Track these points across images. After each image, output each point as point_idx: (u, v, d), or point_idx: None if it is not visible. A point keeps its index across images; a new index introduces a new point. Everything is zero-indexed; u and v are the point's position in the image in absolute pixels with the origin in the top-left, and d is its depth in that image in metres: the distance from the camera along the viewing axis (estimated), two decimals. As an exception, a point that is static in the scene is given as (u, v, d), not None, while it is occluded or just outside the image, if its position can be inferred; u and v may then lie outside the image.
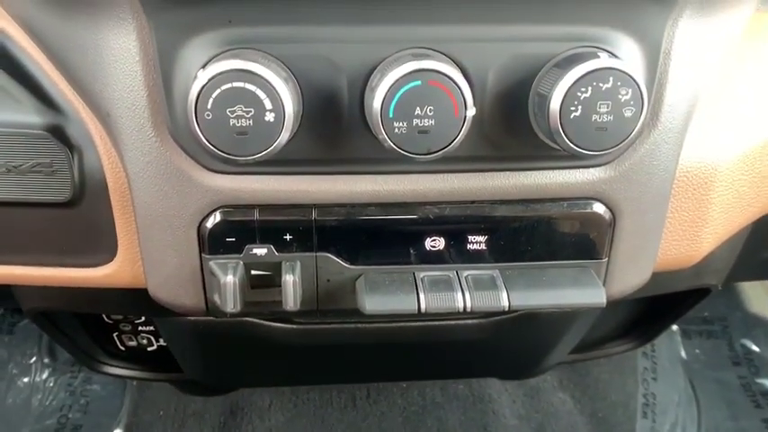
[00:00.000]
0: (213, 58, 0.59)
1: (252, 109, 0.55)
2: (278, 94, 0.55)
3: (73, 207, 0.69)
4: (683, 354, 1.82)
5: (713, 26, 0.66)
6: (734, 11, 0.67)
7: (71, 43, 0.64)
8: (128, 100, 0.62)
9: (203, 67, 0.58)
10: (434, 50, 0.60)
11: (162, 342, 1.17)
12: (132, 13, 0.59)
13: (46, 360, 1.72)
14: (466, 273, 0.69)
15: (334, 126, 0.62)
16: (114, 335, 1.16)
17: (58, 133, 0.67)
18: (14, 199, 0.69)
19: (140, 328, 1.15)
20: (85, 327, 1.11)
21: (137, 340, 1.18)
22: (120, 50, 0.61)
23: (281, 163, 0.62)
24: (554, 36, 0.60)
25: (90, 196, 0.69)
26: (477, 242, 0.69)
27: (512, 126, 0.63)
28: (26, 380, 1.67)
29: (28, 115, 0.67)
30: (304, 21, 0.59)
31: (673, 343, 1.83)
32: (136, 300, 0.76)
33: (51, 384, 1.66)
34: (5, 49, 0.70)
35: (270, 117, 0.56)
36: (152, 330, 1.15)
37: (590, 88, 0.57)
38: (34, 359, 1.71)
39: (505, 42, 0.60)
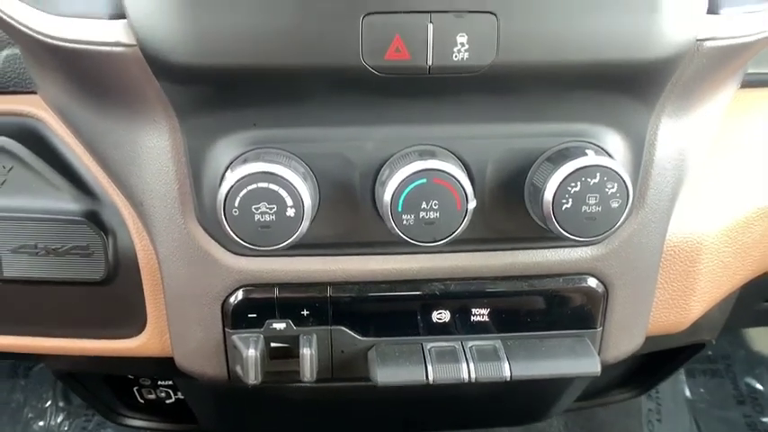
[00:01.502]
0: (239, 156, 0.65)
1: (275, 206, 0.61)
2: (298, 192, 0.61)
3: (107, 285, 0.75)
4: (687, 393, 1.84)
5: (694, 118, 0.72)
6: (713, 104, 0.73)
7: (107, 138, 0.70)
8: (160, 192, 0.69)
9: (230, 165, 0.65)
10: (438, 146, 0.66)
11: (180, 395, 1.22)
12: (166, 116, 0.65)
13: (61, 404, 1.76)
14: (470, 343, 0.74)
15: (347, 214, 0.68)
16: (134, 388, 1.21)
17: (93, 219, 0.73)
18: (53, 278, 0.75)
19: (160, 382, 1.20)
20: (107, 382, 1.17)
21: (156, 393, 1.23)
22: (154, 148, 0.68)
23: (299, 247, 0.68)
24: (546, 133, 0.67)
25: (123, 275, 0.75)
26: (480, 315, 0.74)
27: (509, 211, 0.69)
28: (41, 423, 1.71)
29: (66, 202, 0.74)
30: (320, 123, 0.66)
31: (677, 382, 1.86)
32: (161, 365, 0.81)
33: (66, 428, 1.70)
34: (44, 137, 0.77)
35: (291, 212, 0.62)
36: (171, 384, 1.20)
37: (579, 183, 0.63)
38: (49, 403, 1.75)
39: (502, 139, 0.67)
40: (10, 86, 0.78)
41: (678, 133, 0.71)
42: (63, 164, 0.75)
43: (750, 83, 0.82)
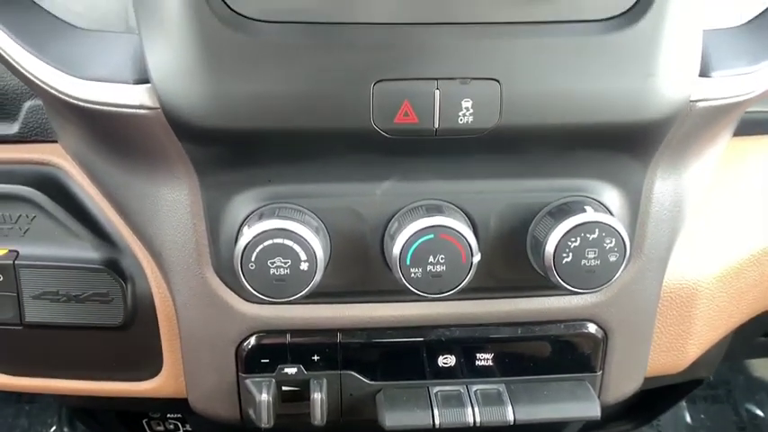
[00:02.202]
0: (255, 211, 0.68)
1: (289, 260, 0.65)
2: (311, 247, 0.65)
3: (125, 330, 0.78)
4: (688, 419, 1.85)
5: (689, 171, 0.75)
6: (706, 157, 0.76)
7: (128, 190, 0.74)
8: (178, 242, 0.72)
9: (246, 220, 0.68)
10: (444, 201, 0.70)
11: (188, 428, 1.24)
12: (186, 172, 0.69)
13: (65, 429, 1.77)
14: (475, 387, 0.77)
15: (357, 265, 0.71)
16: (144, 421, 1.24)
17: (113, 267, 0.76)
18: (73, 323, 0.78)
19: (169, 415, 1.23)
20: (118, 415, 1.19)
21: (164, 426, 1.25)
22: (174, 202, 0.71)
23: (311, 295, 0.70)
24: (547, 188, 0.70)
25: (141, 321, 0.77)
26: (484, 359, 0.77)
27: (512, 262, 0.72)
28: (45, 449, 1.72)
29: (87, 251, 0.77)
30: (332, 179, 0.69)
31: (678, 409, 1.87)
32: (176, 405, 0.84)
33: (70, 455, 1.72)
34: (65, 186, 0.80)
35: (304, 266, 0.65)
36: (179, 417, 1.23)
37: (579, 238, 0.66)
38: (54, 429, 1.76)
39: (505, 194, 0.70)
40: (32, 136, 0.81)
41: (673, 187, 0.74)
42: (84, 213, 0.79)
43: (743, 130, 0.85)
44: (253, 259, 0.64)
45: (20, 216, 0.78)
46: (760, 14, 0.74)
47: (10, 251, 0.77)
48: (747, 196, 0.86)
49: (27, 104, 0.80)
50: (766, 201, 0.87)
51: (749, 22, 0.74)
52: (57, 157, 0.80)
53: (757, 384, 1.94)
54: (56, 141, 0.80)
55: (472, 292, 0.73)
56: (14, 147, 0.81)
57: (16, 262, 0.76)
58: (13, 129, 0.81)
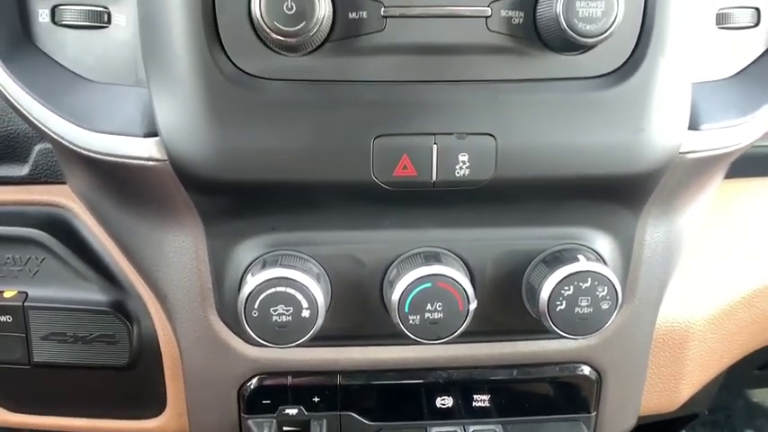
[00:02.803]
0: (258, 258, 0.70)
1: (291, 308, 0.67)
2: (312, 295, 0.67)
3: (130, 370, 0.80)
4: (687, 445, 1.86)
5: (679, 218, 0.77)
6: (696, 203, 0.79)
7: (135, 235, 0.76)
8: (184, 287, 0.74)
9: (250, 267, 0.70)
10: (441, 248, 0.72)
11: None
12: (192, 220, 0.71)
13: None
14: (472, 428, 0.79)
15: (357, 309, 0.73)
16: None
17: (120, 309, 0.79)
18: (79, 363, 0.80)
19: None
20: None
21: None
22: (180, 248, 0.73)
23: (312, 339, 0.73)
24: (541, 236, 0.72)
25: (146, 361, 0.79)
26: (480, 400, 0.79)
27: (508, 307, 0.74)
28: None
29: (94, 293, 0.79)
30: (333, 227, 0.71)
31: (677, 435, 1.88)
32: None
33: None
34: (74, 228, 0.82)
35: (306, 313, 0.67)
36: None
37: (572, 286, 0.68)
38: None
39: (500, 241, 0.72)
40: (42, 177, 0.84)
41: (665, 233, 0.76)
42: (91, 254, 0.81)
43: (734, 172, 0.87)
44: (256, 307, 0.66)
45: (29, 258, 0.80)
46: (746, 67, 0.76)
47: (19, 293, 0.79)
48: (737, 238, 0.88)
49: (37, 147, 0.83)
50: (756, 242, 0.89)
51: (736, 74, 0.76)
52: (65, 198, 0.82)
53: (757, 410, 1.95)
54: (65, 183, 0.83)
55: (469, 335, 0.75)
56: (25, 188, 0.83)
57: (25, 304, 0.78)
58: (23, 171, 0.83)
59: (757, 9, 0.76)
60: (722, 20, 0.74)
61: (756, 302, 0.86)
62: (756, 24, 0.76)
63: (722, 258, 0.87)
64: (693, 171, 0.72)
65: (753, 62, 0.76)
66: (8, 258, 0.80)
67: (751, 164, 0.89)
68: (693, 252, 0.84)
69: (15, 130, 0.82)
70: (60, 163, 0.82)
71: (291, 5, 0.58)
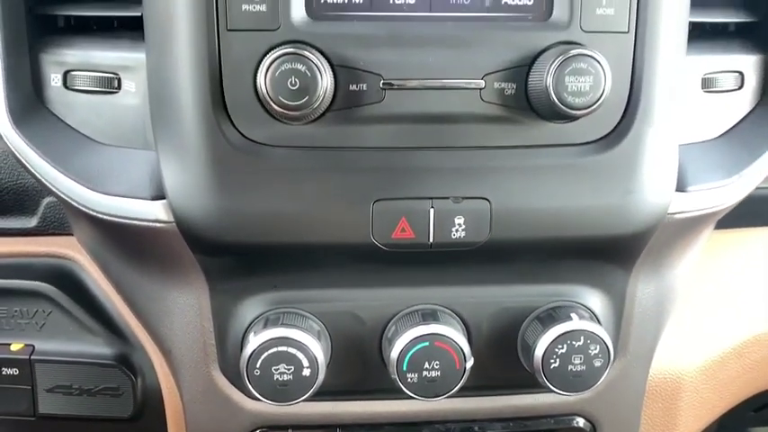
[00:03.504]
0: (260, 315, 0.72)
1: (292, 366, 0.69)
2: (313, 354, 0.69)
3: (134, 422, 0.82)
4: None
5: (670, 273, 0.80)
6: (686, 258, 0.81)
7: (141, 291, 0.78)
8: (187, 342, 0.76)
9: (252, 325, 0.72)
10: (438, 306, 0.74)
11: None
12: (197, 278, 0.73)
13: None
14: None
15: (356, 365, 0.75)
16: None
17: (125, 362, 0.80)
18: (84, 415, 0.81)
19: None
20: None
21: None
22: (184, 305, 0.75)
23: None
24: (536, 293, 0.75)
25: (149, 414, 0.81)
26: (478, 452, 0.81)
27: (503, 362, 0.76)
28: None
29: (100, 347, 0.81)
30: (333, 285, 0.74)
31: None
32: None
33: None
34: (80, 280, 0.85)
35: (306, 372, 0.69)
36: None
37: (565, 345, 0.70)
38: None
39: (496, 299, 0.75)
40: (50, 229, 0.86)
41: (656, 288, 0.79)
42: (97, 308, 0.83)
43: (724, 224, 0.90)
44: (258, 366, 0.68)
45: (36, 311, 0.82)
46: (731, 128, 0.79)
47: (26, 345, 0.81)
48: (727, 289, 0.91)
49: (46, 200, 0.86)
50: (745, 293, 0.91)
51: (722, 135, 0.79)
52: (72, 250, 0.85)
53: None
54: (71, 234, 0.85)
55: (466, 389, 0.76)
56: (33, 239, 0.86)
57: (32, 357, 0.80)
58: (31, 222, 0.86)
59: (741, 73, 0.79)
60: (708, 84, 0.78)
61: (747, 353, 0.88)
62: (740, 87, 0.80)
63: (713, 309, 0.89)
64: (682, 230, 0.75)
65: (737, 124, 0.79)
66: (16, 311, 0.82)
67: (739, 214, 0.92)
68: (684, 304, 0.86)
69: (25, 183, 0.84)
70: (68, 216, 0.84)
71: (295, 81, 0.61)
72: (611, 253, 0.73)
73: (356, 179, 0.66)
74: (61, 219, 0.86)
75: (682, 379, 0.85)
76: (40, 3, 0.74)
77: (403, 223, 0.67)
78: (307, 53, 0.61)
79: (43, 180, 0.71)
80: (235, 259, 0.71)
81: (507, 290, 0.75)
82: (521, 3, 0.66)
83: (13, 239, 0.86)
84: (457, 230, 0.68)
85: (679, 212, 0.72)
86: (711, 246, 0.88)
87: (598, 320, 0.75)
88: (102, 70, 0.72)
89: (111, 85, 0.72)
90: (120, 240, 0.77)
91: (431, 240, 0.68)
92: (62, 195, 0.71)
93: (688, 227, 0.76)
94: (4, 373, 0.80)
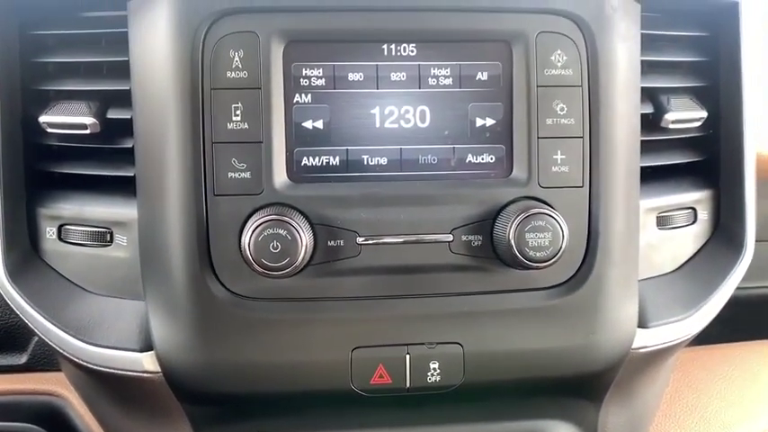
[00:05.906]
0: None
1: None
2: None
3: None
4: None
5: (639, 402, 0.83)
6: (654, 386, 0.85)
7: (128, 432, 0.80)
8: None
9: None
10: None
11: None
12: (183, 425, 0.76)
13: None
14: None
15: None
16: None
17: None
18: None
19: None
20: None
21: None
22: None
23: None
24: (510, 430, 0.77)
25: None
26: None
27: None
28: None
29: None
30: (315, 428, 0.76)
31: None
32: None
33: None
34: (68, 419, 0.86)
35: None
36: None
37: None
38: None
39: None
40: (39, 365, 0.88)
41: (626, 418, 0.82)
42: None
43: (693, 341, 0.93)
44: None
45: (23, 454, 0.83)
46: (687, 261, 0.84)
47: (12, 490, 0.82)
48: (697, 405, 0.94)
49: (36, 338, 0.88)
50: (715, 407, 0.94)
51: (678, 268, 0.84)
52: (61, 387, 0.87)
53: None
54: (60, 370, 0.87)
55: None
56: (22, 376, 0.88)
57: (17, 503, 0.80)
58: (21, 359, 0.88)
59: (693, 209, 0.85)
60: (663, 222, 0.83)
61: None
62: (693, 222, 0.85)
63: (683, 427, 0.92)
64: (646, 362, 0.79)
65: (691, 258, 0.84)
66: (3, 453, 0.84)
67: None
68: (656, 426, 0.89)
69: (16, 322, 0.87)
70: (57, 357, 0.86)
71: (277, 245, 0.65)
72: (581, 389, 0.77)
73: (335, 329, 0.70)
74: (51, 356, 0.88)
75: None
76: (39, 159, 0.79)
77: (381, 369, 0.71)
78: (287, 218, 0.66)
79: (35, 330, 0.74)
80: (219, 408, 0.74)
81: (482, 428, 0.77)
82: (483, 161, 0.72)
83: (1, 377, 0.88)
84: (432, 375, 0.71)
85: (642, 347, 0.76)
86: (682, 364, 0.91)
87: (572, 454, 0.77)
88: (95, 225, 0.76)
89: (103, 239, 0.76)
90: (108, 386, 0.79)
91: (408, 385, 0.71)
92: (53, 345, 0.74)
93: (652, 359, 0.80)
94: None
